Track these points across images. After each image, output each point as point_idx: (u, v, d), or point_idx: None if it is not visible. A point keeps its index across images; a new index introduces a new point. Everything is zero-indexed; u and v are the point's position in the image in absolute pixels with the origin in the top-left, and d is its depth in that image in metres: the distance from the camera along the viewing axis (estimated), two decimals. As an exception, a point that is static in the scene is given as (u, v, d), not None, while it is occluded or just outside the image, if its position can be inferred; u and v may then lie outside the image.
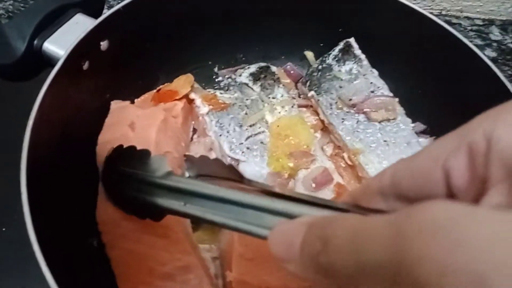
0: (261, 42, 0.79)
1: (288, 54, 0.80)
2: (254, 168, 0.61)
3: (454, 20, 1.03)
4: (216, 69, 0.79)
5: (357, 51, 0.70)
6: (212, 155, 0.66)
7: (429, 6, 1.03)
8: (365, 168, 0.61)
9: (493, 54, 0.98)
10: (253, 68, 0.70)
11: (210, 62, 0.79)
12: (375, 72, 0.68)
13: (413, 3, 0.69)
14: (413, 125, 0.66)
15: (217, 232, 0.59)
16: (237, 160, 0.62)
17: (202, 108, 0.66)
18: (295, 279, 0.53)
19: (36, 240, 0.46)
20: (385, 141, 0.63)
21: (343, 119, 0.65)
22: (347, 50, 0.70)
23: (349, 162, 0.64)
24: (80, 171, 0.58)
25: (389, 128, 0.64)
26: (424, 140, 0.68)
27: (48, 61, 0.60)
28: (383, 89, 0.67)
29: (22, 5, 0.98)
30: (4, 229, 0.70)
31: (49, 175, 0.53)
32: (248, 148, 0.62)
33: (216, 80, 0.78)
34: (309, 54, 0.80)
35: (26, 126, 0.52)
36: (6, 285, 0.65)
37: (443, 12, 1.05)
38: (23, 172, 0.49)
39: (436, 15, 0.68)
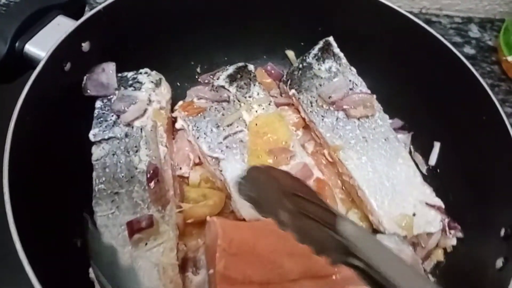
0: (243, 43, 0.81)
1: (270, 54, 0.83)
2: (235, 165, 0.63)
3: (434, 18, 1.06)
4: (198, 69, 0.81)
5: (336, 49, 0.72)
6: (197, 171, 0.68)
7: (409, 4, 1.06)
8: (345, 164, 0.64)
9: (472, 51, 1.01)
10: (230, 69, 0.72)
11: (192, 63, 0.81)
12: (353, 70, 0.71)
13: (393, 2, 0.71)
14: (390, 121, 0.69)
15: (204, 226, 0.61)
16: (217, 159, 0.64)
17: (180, 120, 0.69)
18: (278, 274, 0.55)
19: (19, 239, 0.47)
20: (364, 137, 0.65)
21: (323, 116, 0.67)
22: (326, 49, 0.72)
23: (330, 159, 0.67)
24: (64, 171, 0.59)
25: (368, 124, 0.66)
26: (403, 136, 0.71)
27: (30, 63, 0.61)
28: (361, 86, 0.69)
29: (4, 9, 0.97)
30: None
31: (32, 176, 0.55)
32: (227, 146, 0.65)
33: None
34: (290, 53, 0.82)
35: (7, 128, 0.53)
36: None
37: (423, 11, 1.08)
38: (5, 173, 0.51)
39: (416, 14, 0.71)
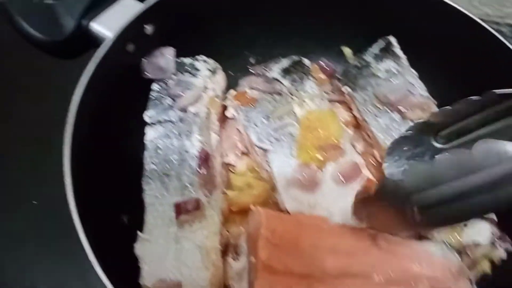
0: (297, 35, 0.82)
1: (325, 48, 0.83)
2: (282, 158, 0.64)
3: (495, 27, 1.02)
4: (252, 60, 0.83)
5: (397, 49, 0.72)
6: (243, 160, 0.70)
7: (470, 10, 1.02)
8: (396, 166, 0.63)
9: (534, 62, 0.97)
10: (285, 62, 0.73)
11: (246, 52, 0.83)
12: (414, 73, 0.71)
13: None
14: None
15: (247, 214, 0.62)
16: (265, 150, 0.65)
17: (230, 109, 0.70)
18: (319, 269, 0.55)
19: (76, 210, 0.51)
20: (418, 141, 0.64)
21: (376, 116, 0.67)
22: (386, 48, 0.72)
23: (380, 160, 0.66)
24: (120, 150, 0.62)
25: (423, 128, 0.65)
26: (458, 144, 0.69)
27: (95, 40, 0.64)
28: (421, 89, 0.69)
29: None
30: (35, 202, 0.75)
31: (91, 152, 0.58)
32: (276, 139, 0.66)
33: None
34: (346, 50, 0.82)
35: (70, 103, 0.56)
36: (34, 257, 0.70)
37: (484, 18, 1.04)
38: (66, 148, 0.54)
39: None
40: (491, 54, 0.68)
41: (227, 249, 0.61)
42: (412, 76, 0.70)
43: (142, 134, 0.65)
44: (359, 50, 0.77)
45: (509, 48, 0.66)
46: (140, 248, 0.57)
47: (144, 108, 0.66)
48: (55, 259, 0.69)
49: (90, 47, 0.65)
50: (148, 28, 0.66)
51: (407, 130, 0.52)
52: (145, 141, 0.64)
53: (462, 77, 0.72)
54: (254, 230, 0.58)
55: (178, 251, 0.56)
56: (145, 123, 0.65)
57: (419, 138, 0.51)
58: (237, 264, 0.60)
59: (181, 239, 0.57)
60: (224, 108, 0.72)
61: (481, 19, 1.03)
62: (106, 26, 0.63)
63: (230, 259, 0.60)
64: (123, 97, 0.63)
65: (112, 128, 0.62)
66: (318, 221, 0.59)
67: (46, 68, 0.78)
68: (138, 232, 0.58)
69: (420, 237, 0.63)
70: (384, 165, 0.54)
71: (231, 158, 0.69)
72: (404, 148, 0.53)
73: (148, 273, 0.55)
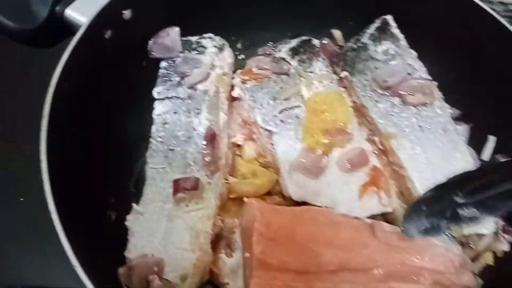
0: (285, 19, 0.80)
1: (314, 32, 0.79)
2: (287, 141, 0.63)
3: (489, 6, 1.00)
4: (239, 46, 0.81)
5: (395, 29, 0.71)
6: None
7: None
8: (397, 153, 0.62)
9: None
10: (294, 42, 0.72)
11: (233, 38, 0.81)
12: (413, 53, 0.70)
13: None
14: (450, 111, 0.65)
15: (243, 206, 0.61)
16: (270, 132, 0.64)
17: (237, 88, 0.69)
18: (316, 264, 0.54)
19: (55, 209, 0.48)
20: (420, 126, 0.64)
21: (376, 101, 0.66)
22: (383, 29, 0.71)
23: (381, 147, 0.64)
24: (103, 140, 0.60)
25: (425, 113, 0.65)
26: (460, 128, 0.67)
27: (70, 28, 0.62)
28: (421, 71, 0.67)
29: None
30: (22, 199, 0.73)
31: (70, 144, 0.56)
32: (282, 121, 0.65)
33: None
34: (337, 33, 0.81)
35: (45, 92, 0.54)
36: (23, 254, 0.68)
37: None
38: (43, 140, 0.51)
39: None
40: (490, 34, 0.66)
41: (219, 243, 0.60)
42: (411, 57, 0.69)
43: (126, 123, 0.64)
44: (350, 33, 0.74)
45: (504, 26, 0.65)
46: (132, 220, 0.57)
47: (127, 95, 0.64)
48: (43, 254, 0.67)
49: (66, 35, 0.62)
50: (126, 13, 0.64)
51: (425, 192, 0.58)
52: (153, 116, 0.64)
53: (461, 55, 0.70)
54: (248, 224, 0.58)
55: (168, 229, 0.56)
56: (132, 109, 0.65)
57: (440, 196, 0.57)
58: (230, 261, 0.59)
59: (174, 218, 0.57)
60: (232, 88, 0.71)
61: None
62: (81, 12, 0.61)
63: (223, 256, 0.59)
64: (103, 85, 0.61)
65: (93, 117, 0.60)
66: (314, 213, 0.58)
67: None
68: (133, 204, 0.57)
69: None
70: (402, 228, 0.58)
71: (238, 138, 0.68)
72: (423, 208, 0.57)
73: (134, 246, 0.55)
